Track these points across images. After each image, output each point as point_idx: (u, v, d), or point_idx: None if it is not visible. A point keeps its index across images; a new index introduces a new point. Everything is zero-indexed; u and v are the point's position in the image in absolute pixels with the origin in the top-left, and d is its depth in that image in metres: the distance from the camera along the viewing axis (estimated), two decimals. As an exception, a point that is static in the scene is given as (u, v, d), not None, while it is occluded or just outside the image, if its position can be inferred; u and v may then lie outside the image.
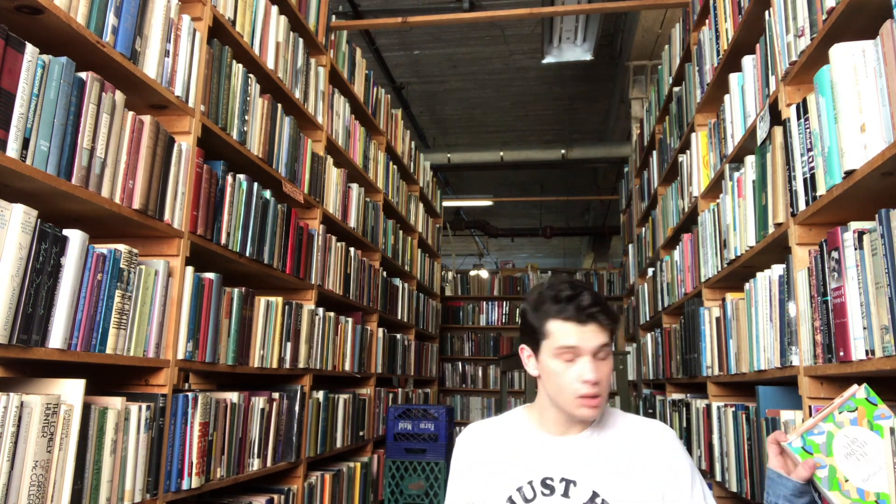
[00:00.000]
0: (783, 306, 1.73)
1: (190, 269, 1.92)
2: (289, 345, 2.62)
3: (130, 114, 1.67)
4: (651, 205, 4.16)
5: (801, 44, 1.64)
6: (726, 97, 2.39)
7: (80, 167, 1.49)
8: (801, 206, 1.59)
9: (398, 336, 4.57)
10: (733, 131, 2.30)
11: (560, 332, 1.24)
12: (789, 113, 1.65)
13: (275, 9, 2.64)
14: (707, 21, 2.74)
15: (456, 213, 10.51)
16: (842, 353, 1.34)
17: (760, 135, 1.92)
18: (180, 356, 1.87)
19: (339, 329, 3.25)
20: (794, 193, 1.63)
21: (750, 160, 2.03)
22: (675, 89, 3.38)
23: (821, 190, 1.48)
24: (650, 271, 4.11)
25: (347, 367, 3.38)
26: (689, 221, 3.03)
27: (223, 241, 2.14)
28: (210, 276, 2.04)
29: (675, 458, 1.27)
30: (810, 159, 1.53)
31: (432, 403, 5.55)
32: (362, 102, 3.83)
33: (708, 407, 2.52)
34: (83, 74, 1.50)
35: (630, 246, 5.33)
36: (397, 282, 4.57)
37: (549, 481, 1.26)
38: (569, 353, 1.24)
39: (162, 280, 1.79)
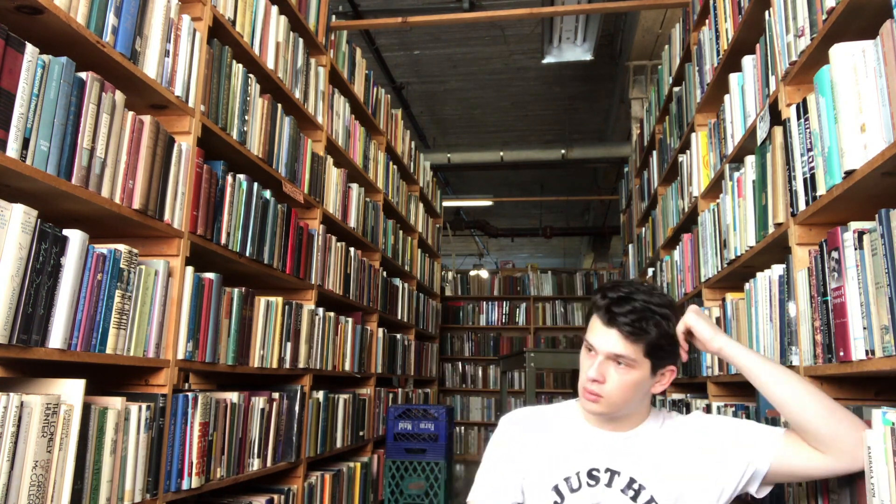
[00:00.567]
0: (783, 306, 1.73)
1: (190, 269, 1.92)
2: (289, 345, 2.62)
3: (130, 114, 1.67)
4: (651, 205, 4.16)
5: (801, 44, 1.64)
6: (726, 97, 2.38)
7: (80, 167, 1.49)
8: (801, 206, 1.59)
9: (398, 336, 4.57)
10: (733, 131, 2.30)
11: (591, 325, 1.33)
12: (789, 113, 1.65)
13: (275, 9, 2.64)
14: (707, 21, 2.74)
15: (456, 213, 10.51)
16: (842, 353, 1.34)
17: (760, 135, 1.92)
18: (180, 356, 1.87)
19: (339, 329, 3.25)
20: (794, 193, 1.63)
21: (750, 160, 2.03)
22: (675, 89, 3.38)
23: (821, 190, 1.48)
24: (650, 271, 4.11)
25: (347, 367, 3.38)
26: (689, 221, 3.03)
27: (223, 241, 2.14)
28: (210, 276, 2.04)
29: (706, 425, 1.33)
30: (810, 159, 1.53)
31: (432, 403, 5.55)
32: (362, 102, 3.83)
33: (708, 407, 2.52)
34: (83, 74, 1.50)
35: (630, 246, 5.33)
36: (397, 282, 4.57)
37: (594, 472, 1.31)
38: (591, 348, 1.31)
39: (162, 280, 1.79)
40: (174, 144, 1.88)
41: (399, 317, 4.60)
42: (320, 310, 3.01)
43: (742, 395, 2.45)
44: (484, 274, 7.89)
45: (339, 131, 3.41)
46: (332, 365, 3.14)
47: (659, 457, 1.31)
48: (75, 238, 1.44)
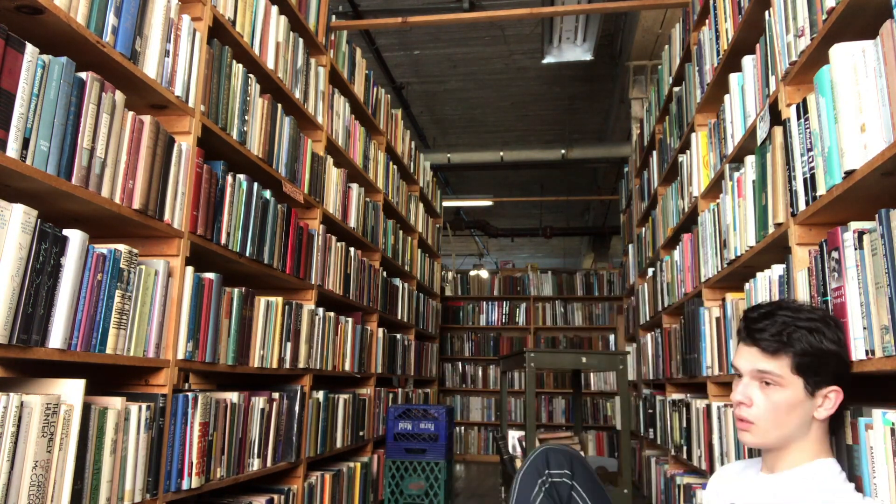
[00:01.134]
0: (783, 306, 1.73)
1: (190, 269, 1.92)
2: (289, 345, 2.62)
3: (130, 114, 1.67)
4: (651, 205, 4.16)
5: (801, 44, 1.64)
6: (726, 97, 2.38)
7: (80, 167, 1.49)
8: (801, 206, 1.59)
9: (398, 336, 4.57)
10: (733, 131, 2.30)
11: (735, 351, 1.26)
12: (789, 113, 1.65)
13: (275, 9, 2.64)
14: (707, 21, 2.74)
15: (456, 213, 10.51)
16: (842, 353, 1.34)
17: (760, 135, 1.92)
18: (180, 356, 1.87)
19: (339, 329, 3.25)
20: (794, 193, 1.63)
21: (750, 160, 2.03)
22: (675, 89, 3.38)
23: (821, 190, 1.48)
24: (650, 271, 4.11)
25: (347, 367, 3.38)
26: (689, 221, 3.03)
27: (223, 241, 2.14)
28: (210, 276, 2.04)
29: None
30: (810, 159, 1.53)
31: (432, 403, 5.55)
32: (362, 102, 3.83)
33: (708, 407, 2.52)
34: (83, 74, 1.50)
35: (630, 246, 5.33)
36: (397, 282, 4.57)
37: None
38: (736, 373, 1.24)
39: (162, 280, 1.79)
40: (174, 144, 1.88)
41: (399, 317, 4.60)
42: (320, 310, 3.01)
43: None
44: (484, 274, 7.88)
45: (339, 131, 3.41)
46: (332, 365, 3.14)
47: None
48: (75, 238, 1.44)
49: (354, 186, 3.61)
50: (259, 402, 2.33)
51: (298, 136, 2.84)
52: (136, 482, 1.63)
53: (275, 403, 2.46)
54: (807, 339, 1.18)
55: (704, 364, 2.56)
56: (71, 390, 1.40)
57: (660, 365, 3.69)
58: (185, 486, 1.85)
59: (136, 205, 1.69)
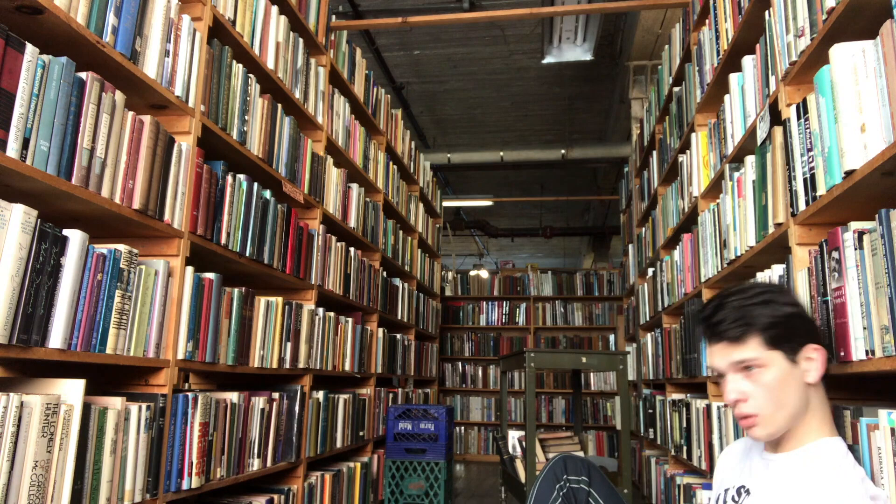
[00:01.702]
0: (783, 306, 1.73)
1: (190, 269, 1.92)
2: (289, 345, 2.62)
3: (130, 114, 1.67)
4: (651, 205, 4.16)
5: (801, 44, 1.64)
6: (726, 97, 2.39)
7: (80, 167, 1.49)
8: (801, 206, 1.59)
9: (398, 336, 4.57)
10: (733, 131, 2.30)
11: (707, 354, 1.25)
12: (789, 113, 1.65)
13: (275, 9, 2.64)
14: (707, 21, 2.74)
15: (456, 213, 10.51)
16: (842, 354, 1.34)
17: (760, 135, 1.92)
18: (180, 356, 1.87)
19: (339, 329, 3.25)
20: (794, 193, 1.63)
21: (750, 160, 2.03)
22: (675, 89, 3.38)
23: (821, 190, 1.48)
24: (650, 271, 4.11)
25: (347, 367, 3.38)
26: (689, 221, 3.03)
27: (223, 241, 2.14)
28: (210, 276, 2.04)
29: None
30: (810, 159, 1.53)
31: (432, 403, 5.55)
32: (362, 102, 3.83)
33: (708, 407, 2.52)
34: (83, 74, 1.50)
35: (630, 246, 5.33)
36: (397, 282, 4.57)
37: (742, 489, 1.26)
38: (717, 374, 1.23)
39: (162, 280, 1.79)
40: (174, 144, 1.88)
41: (399, 317, 4.60)
42: (320, 310, 3.01)
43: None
44: (484, 274, 7.88)
45: (339, 131, 3.41)
46: (332, 365, 3.14)
47: (779, 494, 1.17)
48: (75, 238, 1.44)
49: (354, 186, 3.61)
50: (259, 402, 2.33)
51: (298, 136, 2.84)
52: (136, 482, 1.63)
53: (275, 403, 2.46)
54: (765, 312, 1.17)
55: (704, 364, 2.56)
56: (71, 390, 1.40)
57: (660, 365, 3.69)
58: (185, 486, 1.85)
59: (136, 205, 1.69)
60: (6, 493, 1.22)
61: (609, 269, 7.86)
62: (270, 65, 2.58)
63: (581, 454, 3.09)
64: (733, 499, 1.27)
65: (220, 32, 2.21)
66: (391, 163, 4.45)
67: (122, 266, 1.60)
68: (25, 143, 1.34)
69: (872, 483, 1.14)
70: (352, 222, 3.55)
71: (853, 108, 1.33)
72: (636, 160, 5.06)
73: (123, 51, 1.67)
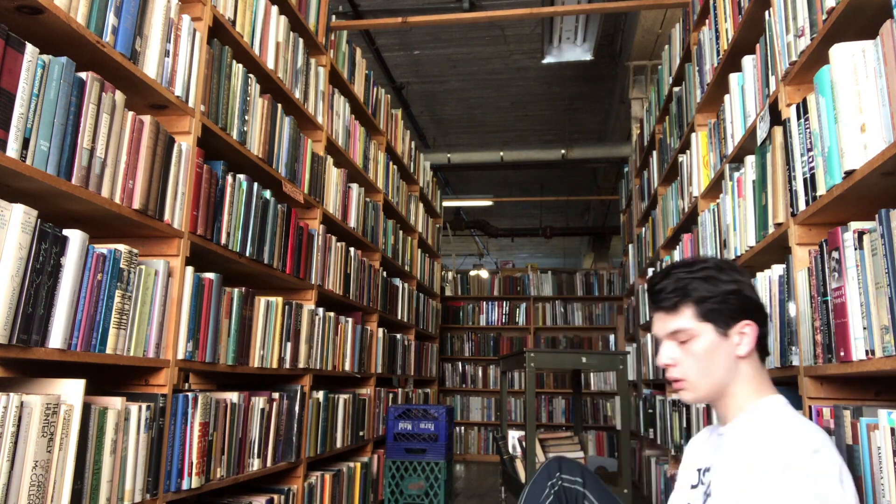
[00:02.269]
0: (783, 306, 1.73)
1: (190, 269, 1.92)
2: (289, 345, 2.62)
3: (130, 114, 1.67)
4: (651, 205, 4.16)
5: (801, 44, 1.64)
6: (726, 97, 2.39)
7: (80, 167, 1.49)
8: (801, 206, 1.59)
9: (398, 336, 4.57)
10: (733, 131, 2.30)
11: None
12: (789, 113, 1.65)
13: (275, 9, 2.64)
14: (707, 21, 2.74)
15: (456, 213, 10.51)
16: (842, 353, 1.34)
17: (760, 135, 1.92)
18: (180, 356, 1.87)
19: (339, 329, 3.25)
20: (794, 193, 1.63)
21: (750, 160, 2.03)
22: (675, 89, 3.38)
23: (821, 190, 1.48)
24: (650, 271, 4.11)
25: (347, 367, 3.38)
26: (689, 221, 3.03)
27: (223, 241, 2.14)
28: (210, 276, 2.04)
29: (750, 465, 1.13)
30: (810, 159, 1.53)
31: (432, 403, 5.55)
32: (362, 102, 3.83)
33: (708, 407, 2.52)
34: (83, 74, 1.50)
35: (630, 246, 5.33)
36: (397, 282, 4.57)
37: (703, 470, 1.30)
38: (657, 339, 1.30)
39: (162, 280, 1.79)
40: (174, 144, 1.88)
41: (399, 317, 4.60)
42: (320, 310, 3.01)
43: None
44: (484, 274, 7.88)
45: (339, 131, 3.41)
46: (332, 365, 3.14)
47: (731, 459, 1.19)
48: (75, 238, 1.44)
49: (354, 186, 3.61)
50: (259, 402, 2.33)
51: (298, 136, 2.84)
52: (136, 482, 1.63)
53: (275, 403, 2.46)
54: (703, 287, 1.23)
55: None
56: (71, 390, 1.40)
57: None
58: (185, 486, 1.85)
59: (136, 205, 1.69)
60: (6, 493, 1.22)
61: (609, 269, 7.86)
62: (270, 65, 2.58)
63: (581, 454, 3.09)
64: (700, 480, 1.30)
65: (220, 32, 2.21)
66: (391, 163, 4.45)
67: (122, 266, 1.60)
68: (25, 143, 1.34)
69: (822, 431, 1.14)
70: (352, 222, 3.55)
71: (853, 108, 1.33)
72: (636, 160, 5.06)
73: (123, 51, 1.67)
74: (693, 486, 1.31)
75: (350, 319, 3.42)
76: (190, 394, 1.89)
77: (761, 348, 1.25)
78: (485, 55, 6.45)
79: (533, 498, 1.70)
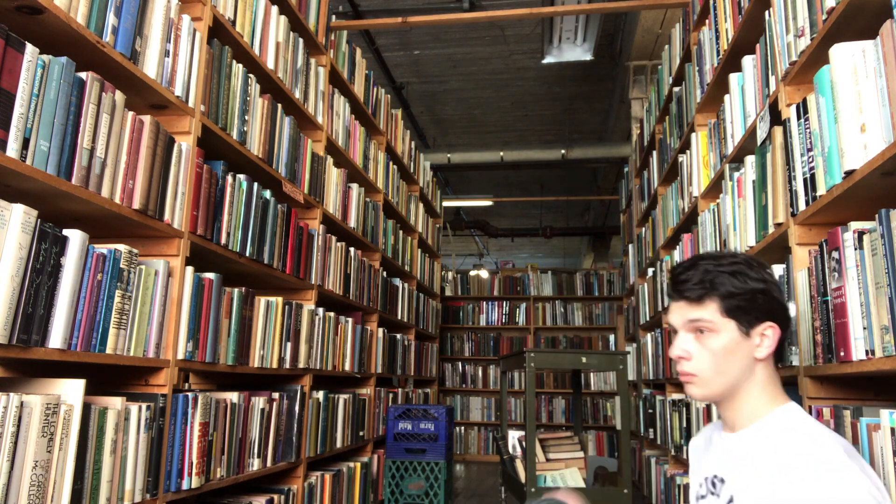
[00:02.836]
0: (783, 306, 1.73)
1: (190, 269, 1.92)
2: (289, 345, 2.62)
3: (130, 114, 1.67)
4: (651, 205, 4.16)
5: (801, 44, 1.64)
6: (726, 97, 2.39)
7: (80, 167, 1.49)
8: (801, 206, 1.59)
9: (398, 336, 4.57)
10: (733, 131, 2.30)
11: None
12: (789, 113, 1.65)
13: (275, 9, 2.64)
14: (707, 21, 2.74)
15: (456, 213, 10.51)
16: (842, 353, 1.34)
17: (760, 135, 1.92)
18: (180, 356, 1.87)
19: (339, 329, 3.25)
20: (794, 193, 1.63)
21: (750, 160, 2.03)
22: (675, 89, 3.38)
23: (821, 190, 1.48)
24: (650, 271, 4.11)
25: (347, 367, 3.38)
26: (689, 221, 3.03)
27: (223, 241, 2.14)
28: (210, 276, 2.04)
29: (765, 481, 1.09)
30: (810, 159, 1.53)
31: (432, 403, 5.55)
32: (362, 102, 3.83)
33: (708, 407, 2.52)
34: (83, 74, 1.50)
35: (630, 246, 5.33)
36: (397, 282, 4.57)
37: (716, 479, 1.23)
38: (671, 329, 1.23)
39: (162, 280, 1.79)
40: (174, 144, 1.88)
41: (399, 317, 4.60)
42: (320, 310, 3.01)
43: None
44: (484, 274, 7.88)
45: (339, 131, 3.41)
46: (332, 365, 3.14)
47: (755, 472, 1.13)
48: (75, 238, 1.44)
49: (354, 186, 3.61)
50: (259, 402, 2.33)
51: (298, 136, 2.84)
52: (136, 482, 1.63)
53: (275, 403, 2.46)
54: (731, 282, 1.17)
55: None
56: (71, 390, 1.40)
57: (660, 365, 3.69)
58: (185, 486, 1.85)
59: (136, 205, 1.69)
60: (6, 493, 1.22)
61: (609, 269, 7.86)
62: (270, 65, 2.58)
63: (581, 454, 3.09)
64: (709, 490, 1.25)
65: (220, 32, 2.21)
66: (391, 163, 4.45)
67: (122, 266, 1.60)
68: (25, 143, 1.34)
69: (845, 441, 1.11)
70: (352, 222, 3.55)
71: (853, 108, 1.33)
72: (636, 160, 5.06)
73: (123, 51, 1.67)
74: (702, 497, 1.25)
75: (350, 319, 3.42)
76: (190, 394, 1.89)
77: (778, 353, 1.20)
78: (485, 55, 6.45)
79: None
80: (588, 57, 5.73)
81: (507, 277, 7.77)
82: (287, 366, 2.61)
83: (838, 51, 1.37)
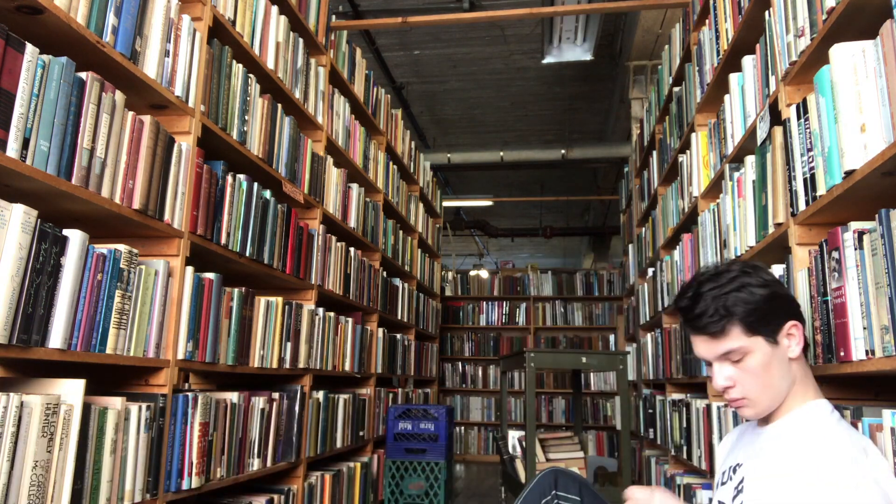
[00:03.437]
0: (783, 306, 1.73)
1: (190, 269, 1.92)
2: (289, 345, 2.62)
3: (130, 114, 1.67)
4: (651, 205, 4.16)
5: (801, 44, 1.64)
6: (726, 97, 2.39)
7: (80, 167, 1.49)
8: (801, 206, 1.59)
9: (398, 336, 4.57)
10: (733, 131, 2.30)
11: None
12: (789, 113, 1.65)
13: (275, 9, 2.64)
14: (707, 21, 2.74)
15: (456, 213, 10.51)
16: (842, 353, 1.34)
17: (760, 135, 1.92)
18: (180, 356, 1.87)
19: (339, 329, 3.25)
20: (794, 193, 1.63)
21: (750, 160, 2.03)
22: (675, 89, 3.38)
23: (821, 190, 1.48)
24: (650, 271, 4.11)
25: (347, 367, 3.38)
26: (689, 221, 3.03)
27: (223, 241, 2.14)
28: (210, 276, 2.04)
29: (778, 469, 1.15)
30: (810, 159, 1.53)
31: (432, 403, 5.55)
32: (362, 102, 3.83)
33: (708, 407, 2.52)
34: (83, 74, 1.50)
35: (630, 246, 5.33)
36: (397, 282, 4.57)
37: (736, 466, 1.29)
38: (704, 360, 1.26)
39: (162, 280, 1.79)
40: (174, 144, 1.88)
41: (399, 317, 4.60)
42: (320, 310, 3.01)
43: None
44: (484, 274, 7.88)
45: (339, 131, 3.41)
46: (332, 365, 3.14)
47: (767, 460, 1.19)
48: (75, 238, 1.44)
49: (354, 186, 3.61)
50: (259, 402, 2.33)
51: (298, 136, 2.84)
52: (136, 482, 1.63)
53: (275, 403, 2.46)
54: (741, 300, 1.18)
55: (704, 364, 2.56)
56: (71, 390, 1.40)
57: (660, 365, 3.69)
58: (185, 486, 1.85)
59: (136, 205, 1.69)
60: (6, 493, 1.22)
61: (609, 269, 7.86)
62: (270, 65, 2.58)
63: (581, 454, 3.09)
64: (729, 477, 1.29)
65: (220, 32, 2.21)
66: (391, 163, 4.45)
67: (122, 266, 1.60)
68: (25, 143, 1.34)
69: (865, 438, 1.16)
70: (352, 222, 3.55)
71: (853, 108, 1.33)
72: (636, 160, 5.06)
73: (123, 51, 1.67)
74: (722, 484, 1.30)
75: (350, 319, 3.42)
76: (190, 394, 1.89)
77: (804, 346, 1.23)
78: (485, 55, 6.45)
79: None
80: (588, 57, 5.73)
81: (507, 277, 7.77)
82: (287, 366, 2.61)
83: (838, 51, 1.37)
